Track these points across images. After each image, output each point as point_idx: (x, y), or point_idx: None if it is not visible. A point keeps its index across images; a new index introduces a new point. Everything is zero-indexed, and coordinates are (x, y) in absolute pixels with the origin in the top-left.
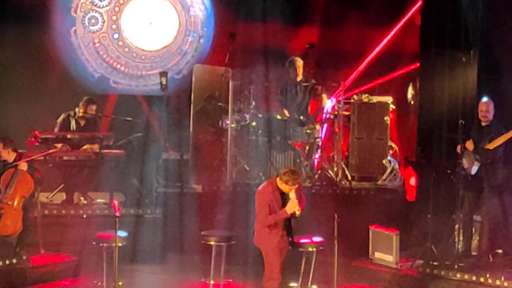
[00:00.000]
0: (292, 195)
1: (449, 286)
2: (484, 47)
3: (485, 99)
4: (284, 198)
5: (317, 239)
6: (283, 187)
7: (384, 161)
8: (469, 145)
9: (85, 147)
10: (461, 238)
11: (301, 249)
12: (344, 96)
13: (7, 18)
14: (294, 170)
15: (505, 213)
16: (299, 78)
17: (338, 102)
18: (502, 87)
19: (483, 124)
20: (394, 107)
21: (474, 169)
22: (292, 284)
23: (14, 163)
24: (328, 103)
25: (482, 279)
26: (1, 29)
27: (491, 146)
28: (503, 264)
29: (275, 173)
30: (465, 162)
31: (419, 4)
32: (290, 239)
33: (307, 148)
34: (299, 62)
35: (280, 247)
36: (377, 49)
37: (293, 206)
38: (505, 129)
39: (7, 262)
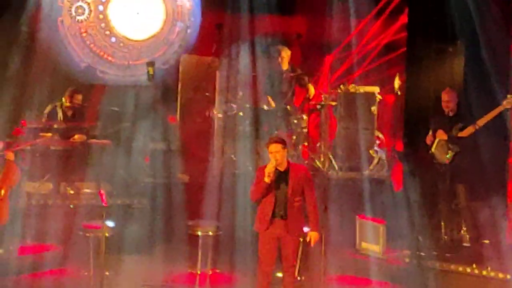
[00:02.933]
0: (272, 160)
1: (436, 277)
2: (470, 38)
3: (447, 89)
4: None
5: (304, 229)
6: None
7: (371, 152)
8: (442, 134)
9: (75, 137)
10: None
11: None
12: (331, 86)
13: None
14: (275, 136)
15: (484, 201)
16: (285, 67)
17: (325, 92)
18: (488, 78)
19: (450, 114)
20: (381, 97)
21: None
22: (278, 274)
23: (1, 153)
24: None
25: (468, 269)
26: None
27: (464, 133)
28: (489, 254)
29: (261, 163)
30: (436, 153)
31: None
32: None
33: (294, 138)
34: (285, 52)
35: (269, 233)
36: (365, 40)
37: (269, 167)
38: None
39: None
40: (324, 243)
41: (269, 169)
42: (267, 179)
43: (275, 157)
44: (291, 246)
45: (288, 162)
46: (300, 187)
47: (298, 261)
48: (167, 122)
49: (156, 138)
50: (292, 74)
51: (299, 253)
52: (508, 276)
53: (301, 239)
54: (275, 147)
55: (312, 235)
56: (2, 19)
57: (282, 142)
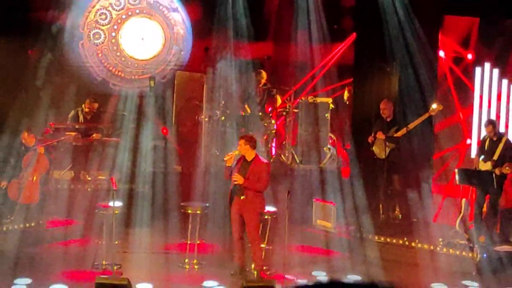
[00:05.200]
0: (235, 152)
1: (375, 247)
2: (404, 59)
3: (384, 100)
4: (243, 162)
5: (272, 209)
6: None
7: (325, 148)
8: (380, 135)
9: (93, 135)
10: (385, 209)
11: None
12: (294, 98)
13: (31, 34)
14: (244, 135)
15: (413, 188)
16: (261, 84)
17: (289, 102)
18: (417, 91)
19: (388, 119)
20: (333, 106)
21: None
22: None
23: (34, 147)
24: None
25: (401, 241)
26: (24, 42)
27: (399, 134)
28: (417, 229)
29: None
30: (376, 149)
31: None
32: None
33: (265, 137)
34: (263, 73)
35: (233, 208)
36: (321, 65)
37: (230, 153)
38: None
39: (27, 225)
40: (288, 220)
41: (230, 154)
42: (227, 163)
43: (239, 148)
44: (248, 221)
45: (256, 155)
46: (257, 174)
47: (267, 233)
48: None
49: (156, 137)
50: (264, 88)
51: (266, 228)
52: (432, 247)
53: (268, 217)
54: (239, 142)
55: (238, 178)
56: (36, 43)
57: (245, 139)
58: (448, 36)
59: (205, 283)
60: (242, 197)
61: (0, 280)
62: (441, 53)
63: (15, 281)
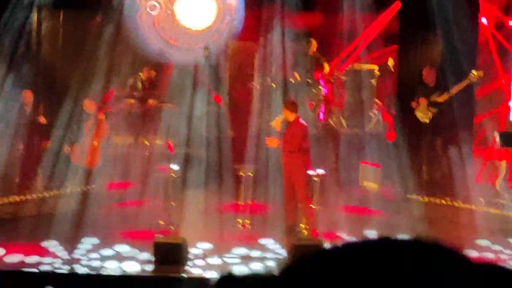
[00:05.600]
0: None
1: (419, 207)
2: (446, 28)
3: (427, 67)
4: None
5: (320, 171)
6: None
7: (370, 113)
8: (423, 100)
9: (150, 102)
10: (428, 170)
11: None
12: (341, 65)
13: (91, 7)
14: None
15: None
16: (311, 52)
17: (337, 69)
18: (458, 58)
19: (431, 85)
20: (379, 73)
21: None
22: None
23: (95, 114)
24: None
25: (443, 201)
26: (87, 15)
27: (441, 99)
28: (459, 189)
29: None
30: (419, 114)
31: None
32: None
33: (313, 103)
34: (313, 42)
35: (284, 166)
36: (367, 34)
37: (277, 119)
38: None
39: (89, 187)
40: (336, 181)
41: (276, 120)
42: (277, 128)
43: (282, 113)
44: (295, 181)
45: (296, 118)
46: (296, 135)
47: (317, 193)
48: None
49: (210, 102)
50: (313, 55)
51: (314, 189)
52: (473, 206)
53: (317, 178)
54: (283, 107)
55: (269, 141)
56: (98, 15)
57: (285, 104)
58: (490, 2)
59: (261, 241)
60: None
61: (65, 239)
62: (483, 20)
63: (83, 240)
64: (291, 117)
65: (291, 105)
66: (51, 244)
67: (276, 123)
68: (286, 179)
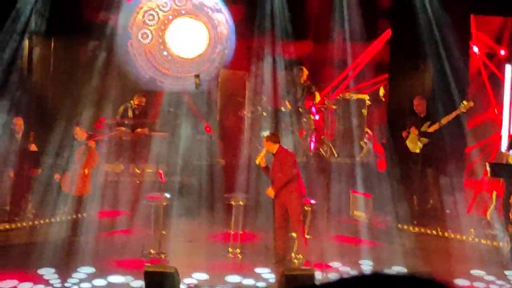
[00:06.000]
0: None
1: (409, 237)
2: (437, 57)
3: (417, 96)
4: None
5: (312, 201)
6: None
7: (361, 143)
8: (414, 130)
9: (141, 130)
10: (419, 201)
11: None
12: (332, 94)
13: (82, 34)
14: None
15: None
16: (302, 80)
17: (327, 98)
18: (449, 88)
19: (421, 115)
20: (369, 102)
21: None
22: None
23: (86, 142)
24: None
25: (434, 232)
26: (78, 42)
27: (431, 129)
28: (450, 220)
29: None
30: (409, 144)
31: (388, 31)
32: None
33: (304, 132)
34: (304, 70)
35: (276, 200)
36: (358, 61)
37: (257, 158)
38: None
39: (79, 215)
40: (327, 210)
41: (259, 155)
42: (261, 164)
43: (265, 147)
44: (291, 210)
45: (279, 147)
46: (280, 165)
47: (308, 223)
48: (209, 119)
49: (201, 131)
50: (304, 84)
51: (305, 219)
52: (464, 237)
53: (308, 208)
54: (264, 141)
55: (268, 192)
56: (89, 43)
57: (265, 137)
58: (481, 31)
59: (252, 270)
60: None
61: (59, 268)
62: (475, 49)
63: (78, 269)
64: (274, 148)
65: (272, 136)
66: (43, 272)
67: (260, 159)
68: (279, 209)
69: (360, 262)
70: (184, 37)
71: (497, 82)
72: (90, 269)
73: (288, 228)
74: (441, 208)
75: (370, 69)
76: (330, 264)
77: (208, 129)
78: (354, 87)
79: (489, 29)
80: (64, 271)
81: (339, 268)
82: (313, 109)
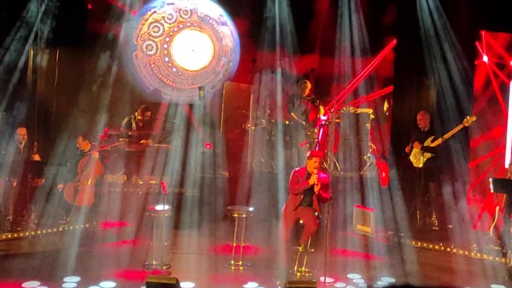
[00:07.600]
0: (315, 171)
1: (412, 252)
2: (442, 73)
3: (421, 111)
4: (309, 176)
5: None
6: (308, 164)
7: (365, 157)
8: (417, 145)
9: (145, 142)
10: (421, 215)
11: (301, 222)
12: (336, 108)
13: (88, 45)
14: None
15: (449, 196)
16: (305, 94)
17: (332, 112)
18: (453, 103)
19: (425, 130)
20: (373, 116)
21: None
22: (296, 247)
23: (89, 152)
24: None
25: (436, 247)
26: (81, 54)
27: (434, 144)
28: (453, 235)
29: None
30: (412, 159)
31: (393, 41)
32: (316, 213)
33: (307, 146)
34: (308, 84)
35: (291, 215)
36: (362, 73)
37: (313, 178)
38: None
39: (82, 226)
40: (330, 225)
41: (314, 179)
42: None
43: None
44: (309, 225)
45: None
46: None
47: (310, 237)
48: (213, 132)
49: (204, 144)
50: (308, 98)
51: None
52: (467, 252)
53: None
54: (314, 161)
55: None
56: (93, 54)
57: (317, 155)
58: (489, 46)
59: (248, 285)
60: (316, 213)
61: (52, 278)
62: (485, 58)
63: (65, 279)
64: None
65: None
66: (35, 285)
67: (314, 178)
68: (291, 223)
69: (354, 275)
70: (189, 49)
71: (508, 93)
72: (77, 278)
73: (293, 241)
74: (444, 223)
75: (375, 83)
76: (332, 277)
77: (208, 146)
78: (358, 101)
79: (496, 45)
80: (58, 281)
81: (337, 283)
82: (317, 123)
